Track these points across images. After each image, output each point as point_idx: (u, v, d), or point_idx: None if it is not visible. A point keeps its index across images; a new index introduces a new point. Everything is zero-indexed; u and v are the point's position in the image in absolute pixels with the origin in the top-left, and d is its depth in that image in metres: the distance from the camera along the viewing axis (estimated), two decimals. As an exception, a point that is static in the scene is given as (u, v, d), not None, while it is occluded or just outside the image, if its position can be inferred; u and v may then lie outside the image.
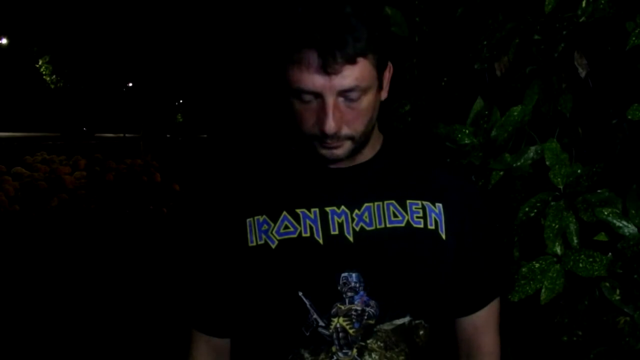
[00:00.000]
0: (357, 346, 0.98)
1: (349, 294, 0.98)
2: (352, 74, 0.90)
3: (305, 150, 1.01)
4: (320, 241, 1.00)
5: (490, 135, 1.40)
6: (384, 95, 1.00)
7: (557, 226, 1.27)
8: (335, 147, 0.96)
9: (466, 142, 1.41)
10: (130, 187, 10.02)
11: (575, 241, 1.27)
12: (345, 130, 0.95)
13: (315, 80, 0.90)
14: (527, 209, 1.31)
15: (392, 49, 1.02)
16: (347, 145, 0.97)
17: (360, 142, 0.99)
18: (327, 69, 0.89)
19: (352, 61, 0.90)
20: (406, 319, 1.00)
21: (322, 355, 0.98)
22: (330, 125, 0.92)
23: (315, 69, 0.90)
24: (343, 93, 0.92)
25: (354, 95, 0.92)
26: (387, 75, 0.99)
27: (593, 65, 1.34)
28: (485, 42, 1.44)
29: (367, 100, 0.94)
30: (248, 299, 1.04)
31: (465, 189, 1.09)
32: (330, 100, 0.91)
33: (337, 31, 0.88)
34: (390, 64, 1.00)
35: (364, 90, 0.93)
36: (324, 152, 0.97)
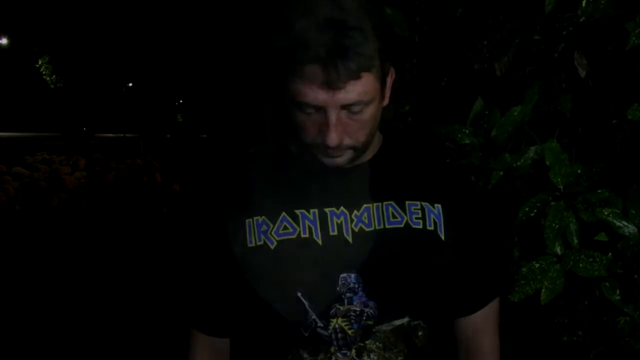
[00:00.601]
0: (356, 347, 0.98)
1: (348, 294, 0.97)
2: (356, 89, 0.90)
3: (304, 151, 1.01)
4: (319, 242, 1.00)
5: (490, 135, 1.40)
6: (386, 101, 0.99)
7: (557, 226, 1.27)
8: (337, 156, 0.97)
9: (466, 142, 1.41)
10: (130, 187, 10.02)
11: (575, 241, 1.27)
12: (347, 141, 0.95)
13: (318, 95, 0.90)
14: (527, 209, 1.31)
15: (395, 55, 1.01)
16: (349, 154, 0.98)
17: (361, 150, 0.99)
18: (331, 84, 0.88)
19: (356, 77, 0.89)
20: (405, 320, 1.00)
21: (321, 356, 0.98)
22: (333, 139, 0.92)
23: (319, 84, 0.89)
24: (346, 107, 0.92)
25: (356, 108, 0.92)
26: (390, 81, 0.99)
27: (593, 65, 1.34)
28: (485, 42, 1.44)
29: (369, 112, 0.94)
30: (247, 299, 1.04)
31: (465, 190, 1.09)
32: (333, 114, 0.91)
33: (341, 47, 0.87)
34: (392, 70, 0.99)
35: (367, 103, 0.93)
36: (326, 160, 0.98)
